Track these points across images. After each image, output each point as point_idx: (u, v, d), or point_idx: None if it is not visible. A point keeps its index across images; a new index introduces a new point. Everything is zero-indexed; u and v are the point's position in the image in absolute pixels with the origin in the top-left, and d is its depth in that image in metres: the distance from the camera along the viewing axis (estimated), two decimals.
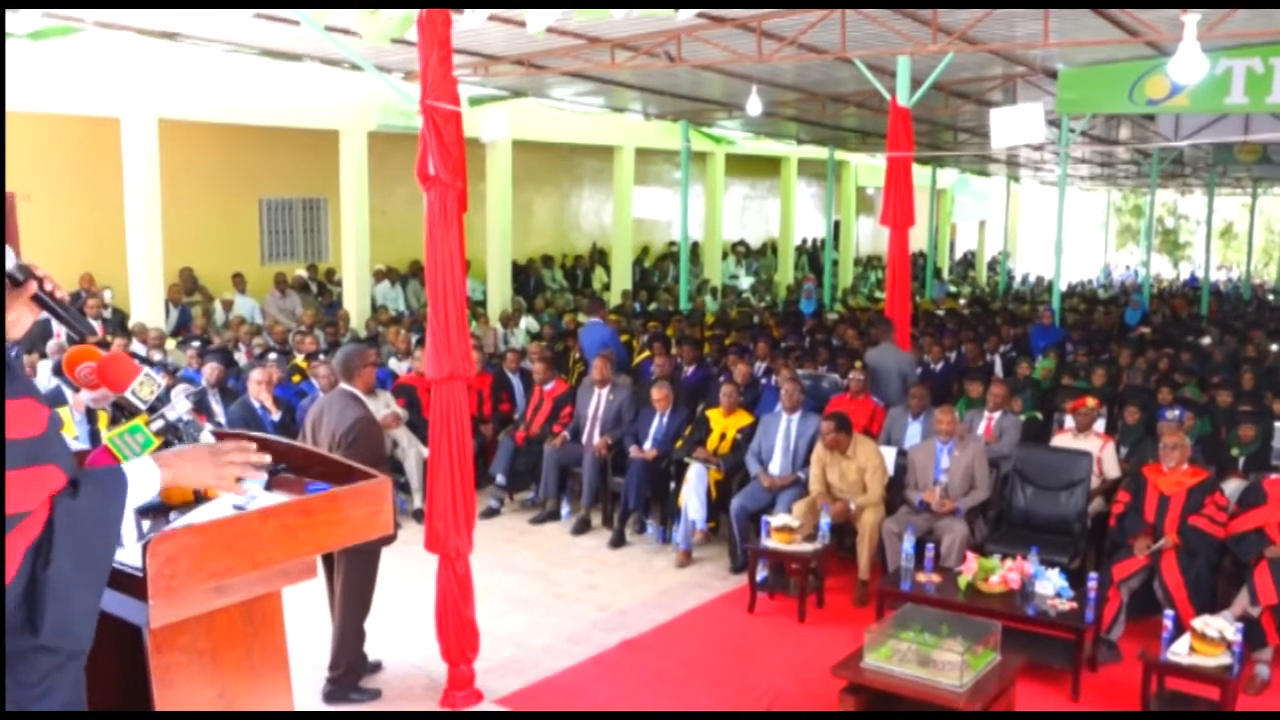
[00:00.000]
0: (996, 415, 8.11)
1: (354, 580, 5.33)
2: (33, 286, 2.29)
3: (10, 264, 2.25)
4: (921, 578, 6.01)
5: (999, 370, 11.13)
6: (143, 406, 2.65)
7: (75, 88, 10.60)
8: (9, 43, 8.55)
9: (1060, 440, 7.76)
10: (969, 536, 6.76)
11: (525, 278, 18.07)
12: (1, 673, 2.01)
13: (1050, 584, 5.77)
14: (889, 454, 7.53)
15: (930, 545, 6.30)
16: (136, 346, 9.76)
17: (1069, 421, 8.01)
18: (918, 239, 19.22)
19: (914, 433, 7.97)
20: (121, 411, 2.76)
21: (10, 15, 8.12)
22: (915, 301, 13.92)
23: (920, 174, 18.44)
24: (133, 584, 2.41)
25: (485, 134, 11.35)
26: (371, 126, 13.26)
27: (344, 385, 5.51)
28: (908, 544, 6.13)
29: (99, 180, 12.38)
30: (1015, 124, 9.13)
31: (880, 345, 9.36)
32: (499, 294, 15.50)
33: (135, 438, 2.61)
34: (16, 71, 9.73)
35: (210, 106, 11.77)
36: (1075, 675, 5.56)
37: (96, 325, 10.07)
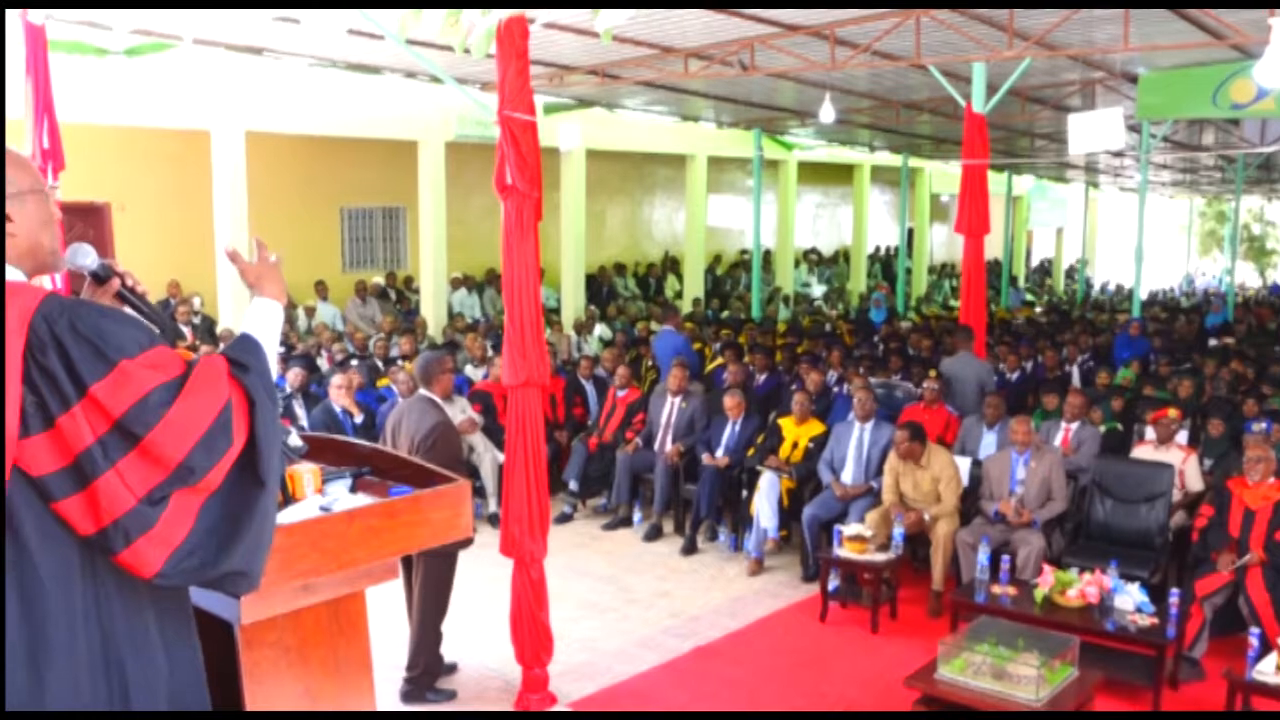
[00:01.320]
0: (1074, 426, 7.98)
1: (432, 583, 5.43)
2: (116, 283, 2.40)
3: (94, 262, 2.37)
4: (997, 590, 5.94)
5: (1077, 380, 10.94)
6: None
7: (168, 102, 11.00)
8: (108, 60, 8.88)
9: (1141, 452, 7.61)
10: (1045, 549, 6.67)
11: (598, 285, 18.21)
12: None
13: (1130, 599, 5.67)
14: (963, 464, 7.46)
15: (1006, 557, 6.22)
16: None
17: (1150, 433, 7.85)
18: (993, 246, 18.96)
19: (989, 443, 7.88)
20: None
21: (107, 33, 8.45)
22: (990, 310, 13.74)
23: (996, 180, 18.16)
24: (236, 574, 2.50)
25: (561, 144, 11.50)
26: (449, 137, 13.51)
27: (423, 391, 5.63)
28: (983, 555, 6.07)
29: (189, 191, 12.81)
30: (1094, 130, 8.98)
31: (958, 354, 9.27)
32: (573, 301, 15.65)
33: None
34: (114, 87, 10.12)
35: (295, 119, 12.12)
36: (1156, 693, 5.46)
37: (186, 331, 10.42)
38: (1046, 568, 5.97)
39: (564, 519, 8.69)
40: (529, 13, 5.05)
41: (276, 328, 2.41)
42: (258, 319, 2.38)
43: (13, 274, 2.10)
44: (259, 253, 2.50)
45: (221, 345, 10.20)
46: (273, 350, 2.34)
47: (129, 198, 12.74)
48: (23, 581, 1.99)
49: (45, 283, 3.23)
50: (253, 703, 2.79)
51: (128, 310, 2.41)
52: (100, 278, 2.40)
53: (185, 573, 2.07)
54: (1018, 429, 7.06)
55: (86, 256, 2.36)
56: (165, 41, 8.76)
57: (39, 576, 1.99)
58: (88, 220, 5.49)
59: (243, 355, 2.19)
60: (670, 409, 8.77)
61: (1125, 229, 31.00)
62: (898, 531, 6.74)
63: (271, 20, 7.82)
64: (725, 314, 17.29)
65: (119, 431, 1.97)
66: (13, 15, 7.00)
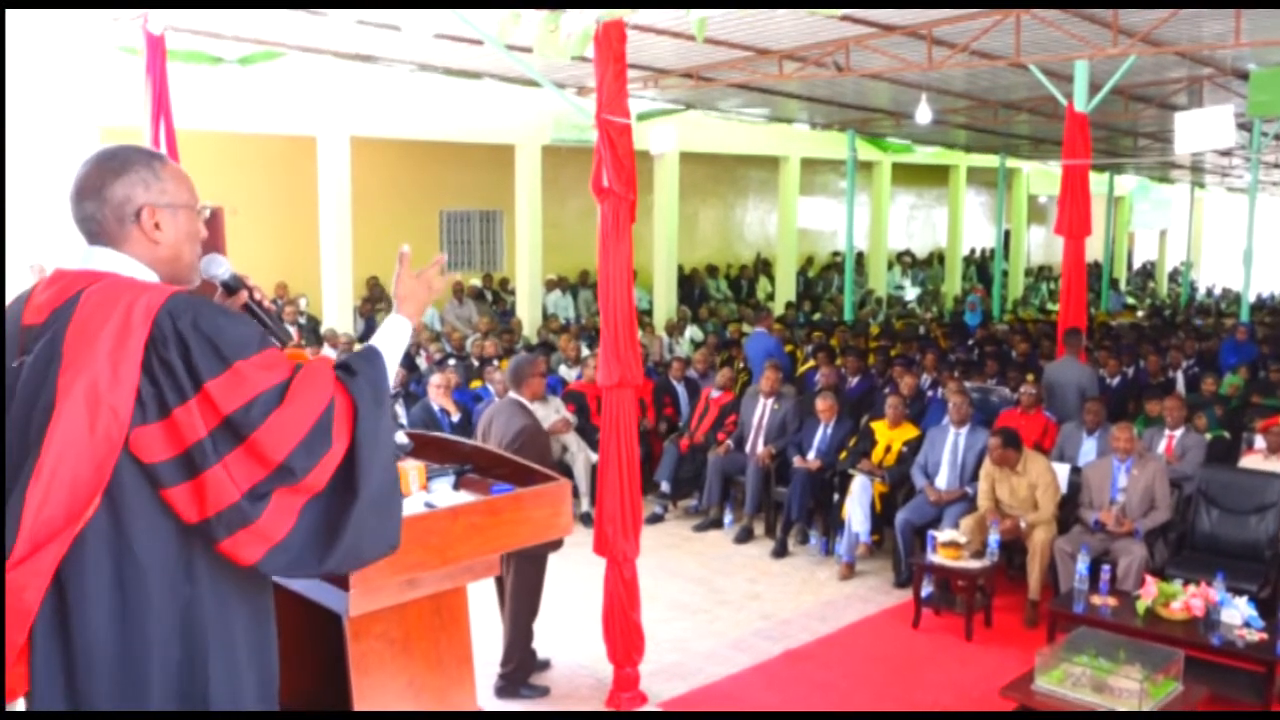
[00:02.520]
0: (1179, 433, 7.76)
1: (524, 582, 5.48)
2: (244, 295, 2.49)
3: (225, 273, 2.47)
4: (1096, 600, 5.82)
5: (1181, 387, 10.61)
6: None
7: (278, 109, 11.39)
8: (221, 69, 9.22)
9: (1249, 461, 7.38)
10: (1148, 559, 6.50)
11: (690, 287, 18.24)
12: None
13: (1237, 612, 5.49)
14: (1062, 471, 7.31)
15: (1106, 567, 6.09)
16: (327, 351, 10.38)
17: (1259, 442, 7.60)
18: (1093, 248, 18.46)
19: (1088, 450, 7.71)
20: None
21: (220, 42, 8.78)
22: (1091, 313, 13.41)
23: (1097, 181, 17.69)
24: (336, 574, 2.56)
25: (654, 147, 11.56)
26: (545, 141, 13.68)
27: (512, 394, 5.68)
28: (1082, 564, 5.95)
29: (296, 195, 13.22)
30: (1202, 128, 8.71)
31: (1061, 358, 9.08)
32: (665, 303, 15.72)
33: None
34: (227, 95, 10.52)
35: (397, 124, 12.43)
36: (1266, 710, 5.29)
37: (292, 331, 10.76)
38: (1149, 579, 5.83)
39: (655, 519, 8.75)
40: (626, 14, 5.10)
41: (403, 344, 2.48)
42: (386, 332, 2.47)
43: (149, 275, 2.20)
44: (401, 268, 2.57)
45: (325, 345, 10.54)
46: (394, 364, 2.40)
47: (240, 202, 13.23)
48: (122, 572, 2.06)
49: None
50: (359, 692, 2.87)
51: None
52: (231, 288, 2.49)
53: (282, 567, 2.14)
54: (1119, 436, 6.90)
55: (220, 267, 2.46)
56: (276, 50, 9.06)
57: (139, 565, 2.06)
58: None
59: (356, 361, 2.26)
60: (762, 411, 8.77)
61: (1233, 230, 29.81)
62: (993, 538, 6.65)
63: (375, 27, 8.04)
64: (817, 316, 17.19)
65: (227, 428, 2.05)
66: (133, 25, 7.33)
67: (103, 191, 2.17)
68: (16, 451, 2.05)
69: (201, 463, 2.04)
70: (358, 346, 11.25)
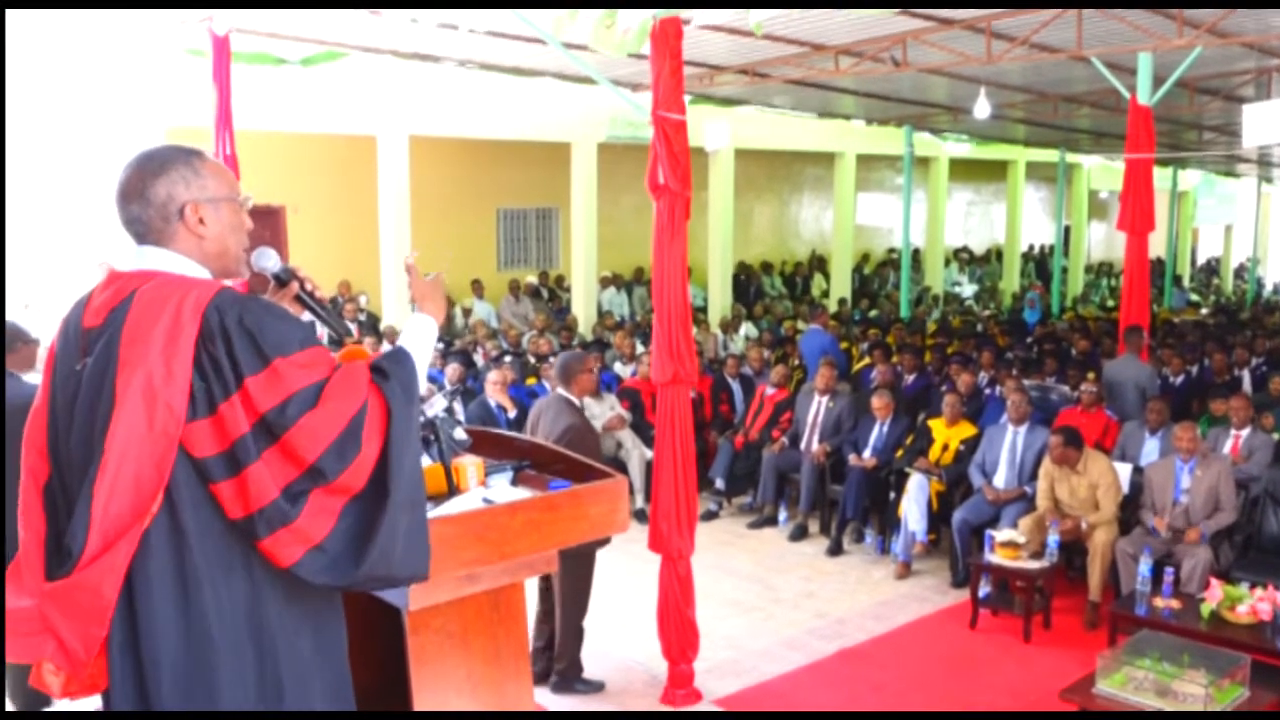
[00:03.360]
0: (1245, 433, 7.59)
1: (572, 580, 5.43)
2: (295, 287, 2.52)
3: (276, 265, 2.51)
4: (1159, 603, 5.71)
5: (1248, 386, 10.37)
6: None
7: (339, 109, 11.55)
8: (283, 70, 9.37)
9: None
10: (1213, 561, 6.38)
11: (745, 284, 18.20)
12: None
13: None
14: (1124, 470, 7.19)
15: (1169, 569, 5.98)
16: (386, 348, 10.52)
17: None
18: (1156, 244, 18.10)
19: (1151, 449, 7.57)
20: None
21: (283, 44, 8.92)
22: (1153, 310, 13.15)
23: (1160, 175, 17.34)
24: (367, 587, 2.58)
25: (709, 144, 11.56)
26: (600, 138, 13.74)
27: (560, 390, 5.66)
28: (1144, 566, 5.85)
29: (356, 194, 13.40)
30: (1271, 121, 8.51)
31: (1122, 356, 8.92)
32: (719, 300, 15.70)
33: None
34: (289, 96, 10.70)
35: (455, 123, 12.56)
36: None
37: (353, 327, 10.94)
38: (1214, 581, 5.71)
39: (709, 516, 8.75)
40: (684, 13, 5.10)
41: (430, 342, 2.51)
42: (412, 332, 2.49)
43: (199, 271, 2.25)
44: (411, 276, 2.64)
45: (384, 341, 10.68)
46: (423, 362, 2.42)
47: (302, 201, 13.46)
48: (184, 569, 2.10)
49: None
50: (418, 684, 2.90)
51: (305, 313, 2.55)
52: (282, 280, 2.52)
53: (319, 571, 2.12)
54: (1182, 435, 6.76)
55: (269, 259, 2.49)
56: (337, 50, 9.18)
57: (199, 563, 2.09)
58: (264, 222, 5.84)
59: (388, 363, 2.27)
60: (817, 408, 8.73)
61: None
62: (1052, 539, 6.56)
63: (435, 27, 8.11)
64: (873, 313, 17.05)
65: (263, 425, 2.08)
66: (200, 28, 7.47)
67: (145, 193, 2.22)
68: (86, 452, 2.10)
69: (244, 458, 2.07)
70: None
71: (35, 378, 5.21)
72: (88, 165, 10.16)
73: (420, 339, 2.48)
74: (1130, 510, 6.99)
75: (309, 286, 2.54)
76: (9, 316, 5.45)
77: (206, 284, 2.18)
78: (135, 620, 2.09)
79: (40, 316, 9.65)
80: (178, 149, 2.30)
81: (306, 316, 2.50)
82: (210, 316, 2.08)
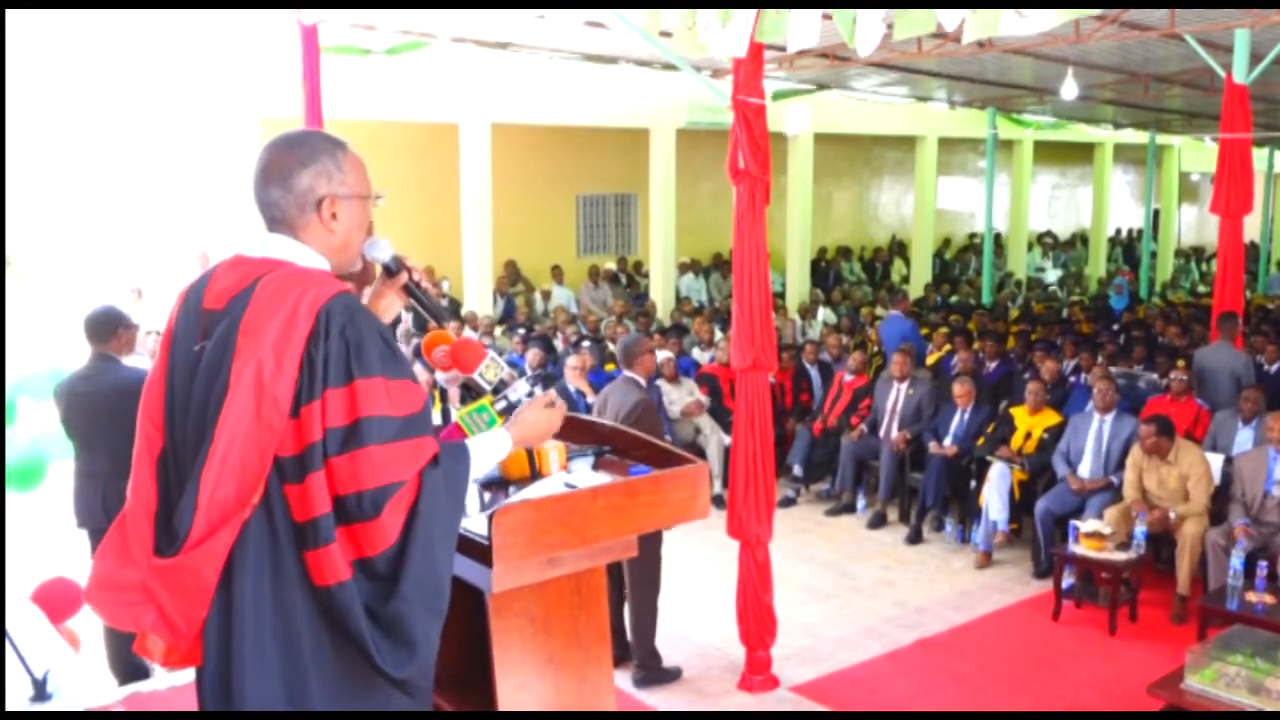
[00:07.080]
0: None
1: (641, 568, 5.44)
2: (404, 277, 2.54)
3: (387, 255, 2.52)
4: (1252, 597, 5.58)
5: None
6: (488, 388, 2.80)
7: (422, 98, 11.73)
8: (369, 59, 9.54)
9: None
10: None
11: (824, 270, 18.06)
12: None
13: None
14: (1215, 461, 7.01)
15: (1262, 563, 5.83)
16: (468, 333, 10.69)
17: None
18: (1250, 228, 17.47)
19: (1244, 440, 7.35)
20: (469, 392, 2.91)
21: (368, 34, 9.08)
22: (1247, 296, 12.72)
23: (1256, 157, 16.69)
24: (480, 551, 2.63)
25: (789, 128, 11.50)
26: (679, 124, 13.73)
27: (626, 372, 5.81)
28: (1236, 560, 5.71)
29: (438, 181, 13.61)
30: None
31: (1215, 343, 8.67)
32: (798, 286, 15.62)
33: (481, 416, 2.76)
34: (374, 85, 10.90)
35: (536, 111, 12.67)
36: None
37: None
38: None
39: (787, 503, 8.74)
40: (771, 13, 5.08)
41: (496, 458, 2.49)
42: (486, 440, 2.47)
43: (321, 263, 2.28)
44: (540, 398, 2.64)
45: (466, 327, 10.85)
46: (481, 470, 2.42)
47: (386, 188, 13.66)
48: (274, 558, 2.12)
49: None
50: (501, 667, 2.91)
51: (411, 301, 2.59)
52: (391, 270, 2.54)
53: (342, 605, 2.10)
54: (1275, 425, 6.55)
55: (381, 249, 2.50)
56: (422, 40, 9.32)
57: (287, 555, 2.12)
58: None
59: (446, 457, 2.24)
60: (897, 395, 8.66)
61: None
62: (1139, 530, 6.43)
63: (520, 15, 8.19)
64: (954, 299, 16.80)
65: (326, 439, 2.09)
66: (289, 19, 7.65)
67: (289, 180, 2.24)
68: (200, 433, 2.14)
69: (310, 464, 2.08)
70: (497, 329, 11.57)
71: (135, 361, 5.44)
72: (186, 157, 10.48)
73: (490, 450, 2.45)
74: (1221, 502, 6.81)
75: (416, 277, 2.56)
76: (114, 302, 5.67)
77: (328, 283, 2.18)
78: (230, 606, 2.12)
79: (148, 304, 10.01)
80: (325, 138, 2.32)
81: (395, 310, 2.52)
82: (321, 319, 2.10)
